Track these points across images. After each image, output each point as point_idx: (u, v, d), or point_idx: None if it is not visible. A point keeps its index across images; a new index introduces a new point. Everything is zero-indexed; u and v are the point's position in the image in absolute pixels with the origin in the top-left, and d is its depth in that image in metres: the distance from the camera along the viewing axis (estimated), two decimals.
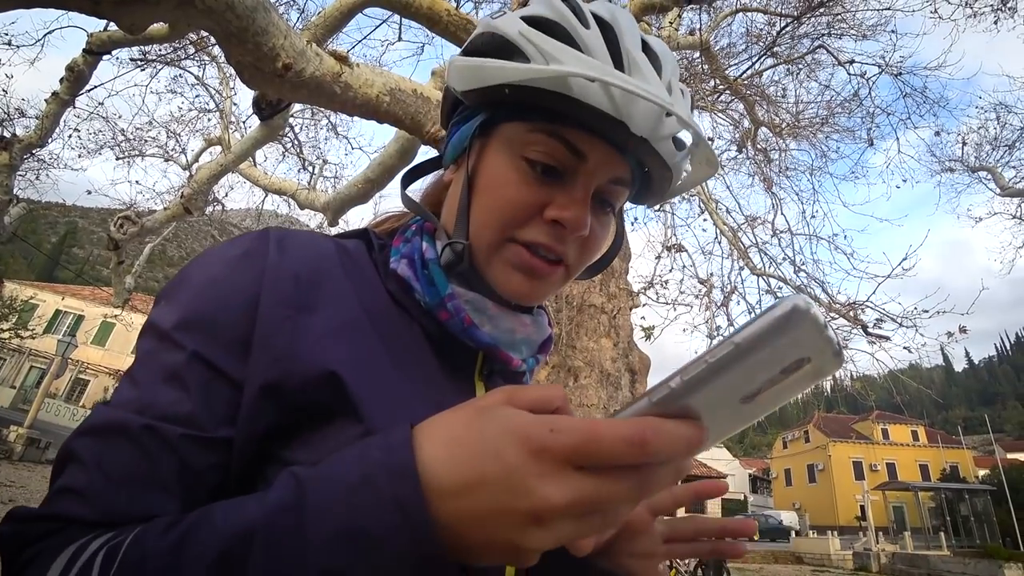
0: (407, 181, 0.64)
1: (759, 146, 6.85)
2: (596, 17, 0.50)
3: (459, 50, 0.57)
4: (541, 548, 0.28)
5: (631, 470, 0.28)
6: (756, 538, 29.44)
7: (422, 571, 0.29)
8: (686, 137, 0.53)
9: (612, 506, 0.28)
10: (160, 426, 0.38)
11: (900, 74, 6.58)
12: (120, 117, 7.62)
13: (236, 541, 0.29)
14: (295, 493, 0.30)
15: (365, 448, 0.31)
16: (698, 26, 5.51)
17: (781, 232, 6.33)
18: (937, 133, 8.13)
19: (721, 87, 5.68)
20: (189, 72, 6.86)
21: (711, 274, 6.54)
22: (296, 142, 7.34)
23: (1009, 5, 6.32)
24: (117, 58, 5.98)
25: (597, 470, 0.27)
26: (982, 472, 34.07)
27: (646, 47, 0.51)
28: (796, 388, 0.30)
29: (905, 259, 5.24)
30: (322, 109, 6.32)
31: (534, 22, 0.49)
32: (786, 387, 0.29)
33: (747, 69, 5.93)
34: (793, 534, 29.53)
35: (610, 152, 0.50)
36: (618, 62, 0.48)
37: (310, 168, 7.50)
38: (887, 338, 5.21)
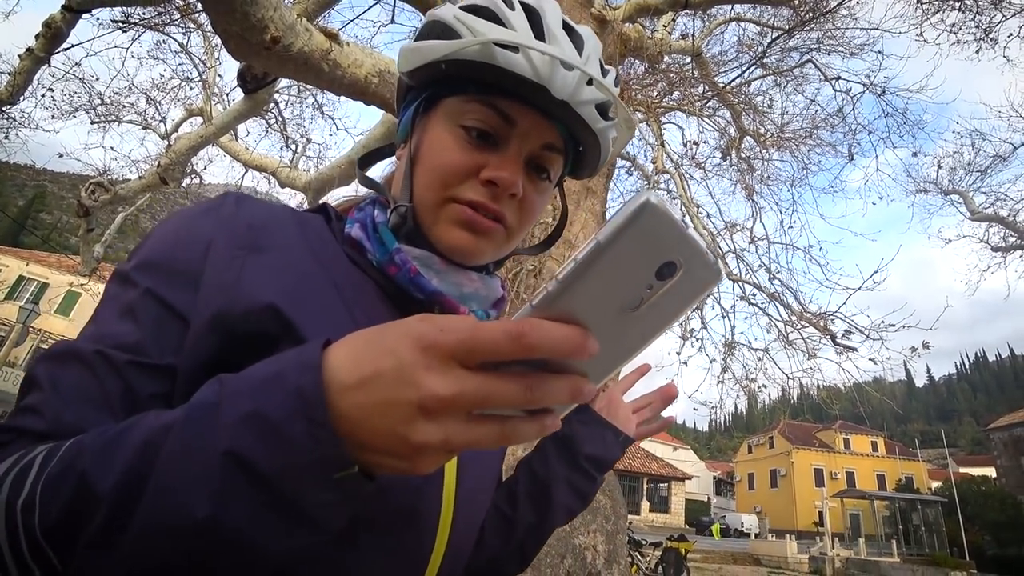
0: (363, 163, 0.69)
1: (743, 154, 6.96)
2: (522, 3, 0.56)
3: None
4: (431, 444, 0.29)
5: (520, 375, 0.29)
6: (718, 539, 30.12)
7: (322, 466, 0.30)
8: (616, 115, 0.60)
9: (499, 406, 0.29)
10: (110, 352, 0.43)
11: (883, 94, 6.74)
12: (97, 80, 7.33)
13: (159, 432, 0.32)
14: (216, 391, 0.33)
15: (284, 353, 0.33)
16: (691, 32, 5.55)
17: (759, 240, 6.45)
18: (915, 154, 8.41)
19: (710, 93, 5.74)
20: (173, 39, 6.65)
21: None
22: (280, 119, 7.19)
23: (991, 36, 6.52)
24: (97, 18, 5.77)
25: (486, 370, 0.29)
26: (935, 484, 35.40)
27: (569, 28, 0.57)
28: (680, 299, 0.30)
29: (876, 272, 5.39)
30: (309, 87, 6.20)
31: (468, 8, 0.56)
32: (669, 297, 0.30)
33: (736, 78, 6.01)
34: (753, 536, 30.29)
35: (538, 118, 0.56)
36: (539, 36, 0.54)
37: (293, 146, 7.36)
38: (854, 349, 5.36)
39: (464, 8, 0.56)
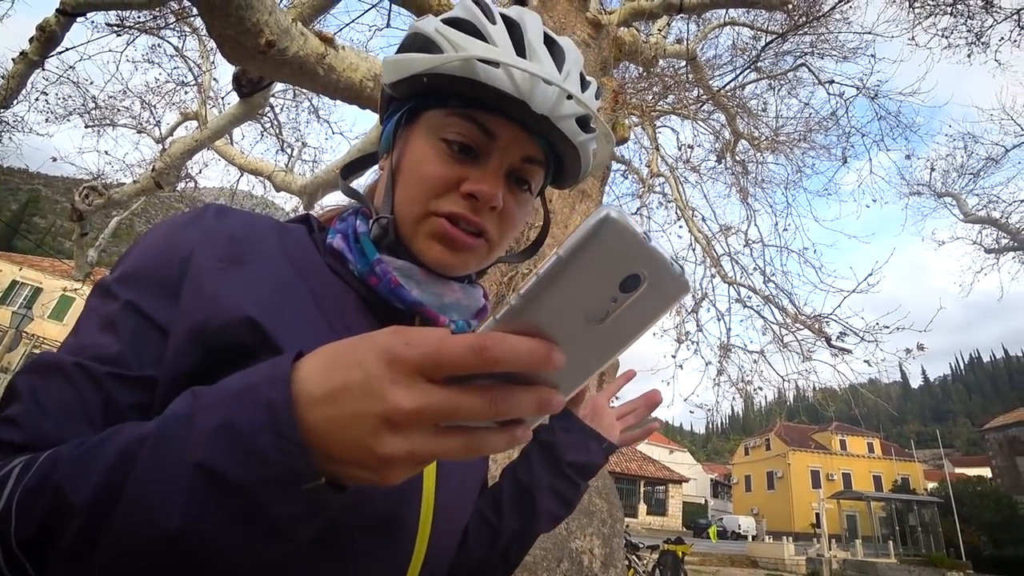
0: (346, 173, 0.70)
1: (738, 157, 6.99)
2: (504, 16, 0.57)
3: None
4: (397, 456, 0.29)
5: (485, 388, 0.30)
6: (715, 541, 30.13)
7: (290, 478, 0.30)
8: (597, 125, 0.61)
9: (464, 419, 0.30)
10: (89, 364, 0.43)
11: (876, 97, 6.79)
12: (92, 83, 7.36)
13: (134, 443, 0.33)
14: (189, 403, 0.33)
15: (257, 366, 0.34)
16: (686, 36, 5.58)
17: (753, 242, 6.48)
18: (908, 157, 8.42)
19: (704, 97, 5.76)
20: (168, 42, 6.63)
21: None
22: (276, 123, 7.18)
23: (983, 40, 6.58)
24: (92, 21, 5.75)
25: (451, 383, 0.29)
26: (931, 485, 35.49)
27: (551, 42, 0.58)
28: (647, 310, 0.30)
29: (871, 275, 5.42)
30: (304, 91, 6.20)
31: (449, 21, 0.56)
32: (635, 308, 0.30)
33: (731, 81, 6.04)
34: (750, 538, 30.31)
35: (518, 132, 0.56)
36: (520, 51, 0.55)
37: (288, 150, 7.34)
38: (849, 351, 5.38)
39: (446, 21, 0.56)
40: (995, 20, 6.34)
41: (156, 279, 0.47)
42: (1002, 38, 6.63)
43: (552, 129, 0.56)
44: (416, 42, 0.57)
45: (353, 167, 0.71)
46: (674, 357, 6.21)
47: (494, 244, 0.59)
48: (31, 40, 4.41)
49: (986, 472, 32.06)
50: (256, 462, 0.30)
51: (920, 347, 5.45)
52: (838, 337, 5.42)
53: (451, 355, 0.28)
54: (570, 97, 0.55)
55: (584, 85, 0.59)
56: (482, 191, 0.55)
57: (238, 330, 0.45)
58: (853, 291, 5.46)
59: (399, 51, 0.59)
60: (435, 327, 0.32)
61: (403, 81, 0.57)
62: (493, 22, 0.56)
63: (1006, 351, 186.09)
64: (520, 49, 0.55)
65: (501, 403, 0.29)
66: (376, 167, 0.68)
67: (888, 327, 5.34)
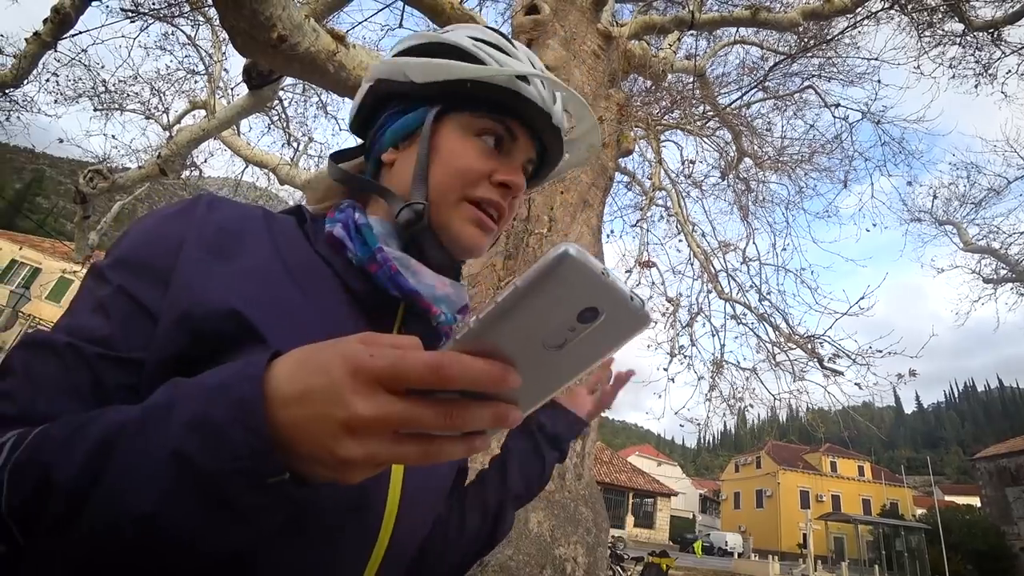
0: (337, 158, 0.73)
1: (741, 175, 7.02)
2: (509, 40, 0.67)
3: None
4: (355, 459, 0.32)
5: (443, 402, 0.32)
6: (700, 556, 30.02)
7: (256, 472, 0.32)
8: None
9: (420, 428, 0.32)
10: (80, 344, 0.45)
11: (880, 122, 6.84)
12: (103, 67, 7.39)
13: (115, 429, 0.35)
14: (170, 394, 0.36)
15: (234, 363, 0.36)
16: (696, 52, 5.62)
17: (751, 260, 6.50)
18: (909, 183, 8.46)
19: (711, 113, 5.80)
20: (181, 30, 6.67)
21: (679, 294, 6.67)
22: (283, 116, 7.21)
23: (990, 72, 6.63)
24: (107, 6, 5.79)
25: (413, 395, 0.32)
26: (920, 511, 35.44)
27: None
28: (605, 340, 0.32)
29: (863, 298, 5.43)
30: (314, 86, 6.23)
31: (479, 39, 0.65)
32: (593, 338, 0.32)
33: (737, 99, 6.08)
34: (736, 555, 30.20)
35: (528, 136, 0.66)
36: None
37: (295, 144, 7.39)
38: (841, 373, 5.39)
39: (475, 39, 0.64)
40: (1003, 53, 6.40)
41: (147, 266, 0.50)
42: (1009, 71, 6.69)
43: (557, 138, 0.66)
44: (443, 49, 0.64)
45: (342, 155, 0.74)
46: (667, 370, 6.22)
47: (500, 229, 0.67)
48: (45, 21, 4.44)
49: (975, 501, 31.95)
50: (227, 454, 0.32)
51: (912, 373, 5.47)
52: (830, 359, 5.43)
53: (410, 370, 0.31)
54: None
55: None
56: (514, 181, 0.63)
57: (223, 320, 0.47)
58: (845, 313, 5.47)
59: (421, 54, 0.65)
60: (407, 335, 0.34)
61: (438, 83, 0.62)
62: (514, 46, 0.66)
63: (1000, 381, 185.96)
64: (536, 67, 0.64)
65: (456, 417, 0.32)
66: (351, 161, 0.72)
67: (880, 351, 5.35)
